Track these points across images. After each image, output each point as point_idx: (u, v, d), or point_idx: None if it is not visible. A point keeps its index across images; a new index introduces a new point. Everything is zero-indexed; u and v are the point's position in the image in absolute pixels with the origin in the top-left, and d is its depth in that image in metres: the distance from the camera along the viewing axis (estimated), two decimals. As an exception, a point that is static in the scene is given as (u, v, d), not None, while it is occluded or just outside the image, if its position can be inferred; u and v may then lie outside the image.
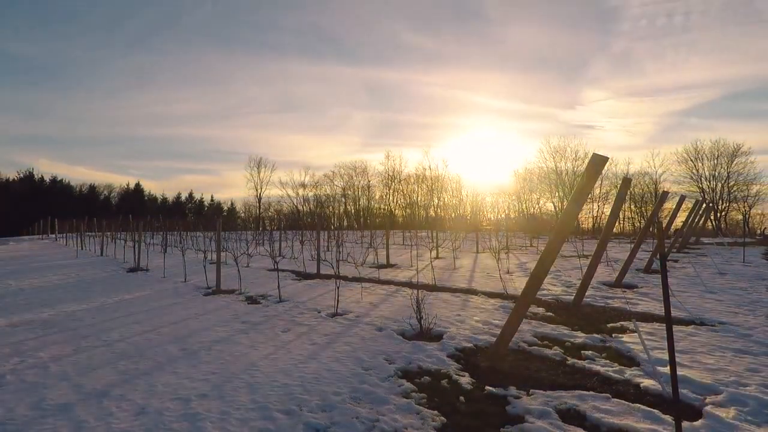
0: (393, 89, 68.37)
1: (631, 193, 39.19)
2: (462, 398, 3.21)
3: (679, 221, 15.96)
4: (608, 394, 3.19)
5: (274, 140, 74.46)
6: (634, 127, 57.45)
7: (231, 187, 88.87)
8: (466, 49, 62.33)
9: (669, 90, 54.50)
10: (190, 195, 71.00)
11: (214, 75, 72.21)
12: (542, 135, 58.81)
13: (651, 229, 10.97)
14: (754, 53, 49.06)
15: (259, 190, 56.49)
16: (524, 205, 43.15)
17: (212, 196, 72.00)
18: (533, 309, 5.97)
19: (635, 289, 7.55)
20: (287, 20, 65.89)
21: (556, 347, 4.32)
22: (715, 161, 39.69)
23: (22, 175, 56.68)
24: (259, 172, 56.47)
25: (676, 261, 11.67)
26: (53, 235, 31.09)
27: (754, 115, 52.11)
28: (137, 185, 67.30)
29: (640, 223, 40.39)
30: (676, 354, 2.79)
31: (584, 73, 58.27)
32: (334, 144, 72.77)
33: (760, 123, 51.71)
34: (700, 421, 2.78)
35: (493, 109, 63.32)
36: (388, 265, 11.52)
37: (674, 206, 11.25)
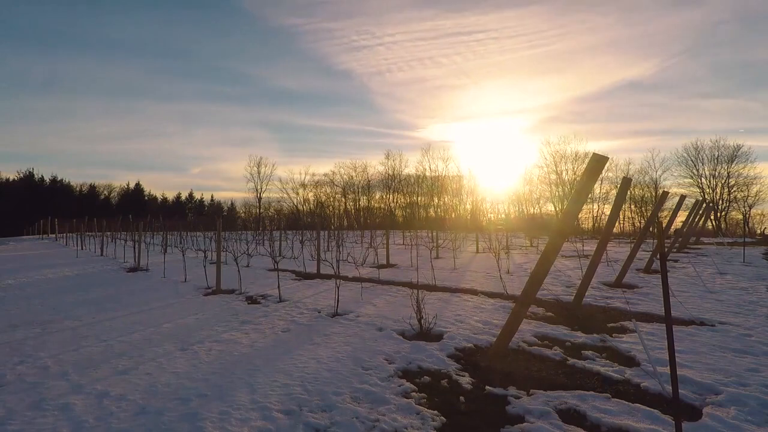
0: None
1: (631, 193, 39.25)
2: (462, 398, 3.21)
3: (679, 221, 15.97)
4: (608, 394, 3.19)
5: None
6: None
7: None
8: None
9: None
10: (190, 195, 71.11)
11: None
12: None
13: (651, 229, 10.97)
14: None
15: (259, 190, 56.59)
16: (524, 205, 43.21)
17: (212, 196, 72.11)
18: (533, 309, 5.97)
19: (635, 289, 7.55)
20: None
21: (556, 347, 4.32)
22: (715, 161, 39.77)
23: (22, 175, 56.74)
24: (259, 172, 56.57)
25: (676, 261, 11.67)
26: (53, 235, 31.09)
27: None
28: (137, 185, 67.37)
29: (640, 223, 40.42)
30: (676, 354, 2.79)
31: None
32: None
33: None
34: (700, 421, 2.78)
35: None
36: (388, 265, 11.52)
37: (674, 206, 11.24)
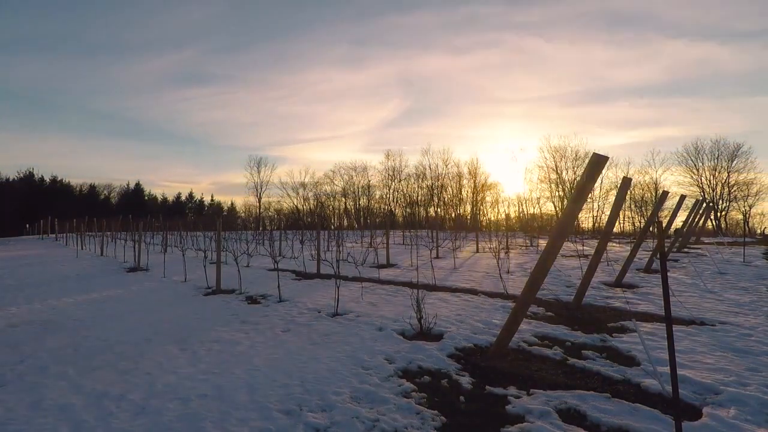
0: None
1: (631, 193, 39.22)
2: (462, 398, 3.21)
3: (679, 221, 15.96)
4: (608, 394, 3.19)
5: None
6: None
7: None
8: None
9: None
10: (190, 195, 71.08)
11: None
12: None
13: (651, 229, 10.97)
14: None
15: (259, 190, 56.56)
16: (524, 205, 43.19)
17: (212, 196, 72.11)
18: (533, 309, 5.97)
19: (635, 289, 7.55)
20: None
21: (556, 347, 4.32)
22: (716, 161, 39.74)
23: (22, 175, 56.73)
24: (259, 172, 56.52)
25: (676, 261, 11.66)
26: (53, 235, 31.08)
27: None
28: (137, 185, 67.33)
29: (640, 223, 40.39)
30: (676, 354, 2.79)
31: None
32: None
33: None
34: (700, 421, 2.78)
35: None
36: (388, 265, 11.52)
37: (674, 206, 11.24)
